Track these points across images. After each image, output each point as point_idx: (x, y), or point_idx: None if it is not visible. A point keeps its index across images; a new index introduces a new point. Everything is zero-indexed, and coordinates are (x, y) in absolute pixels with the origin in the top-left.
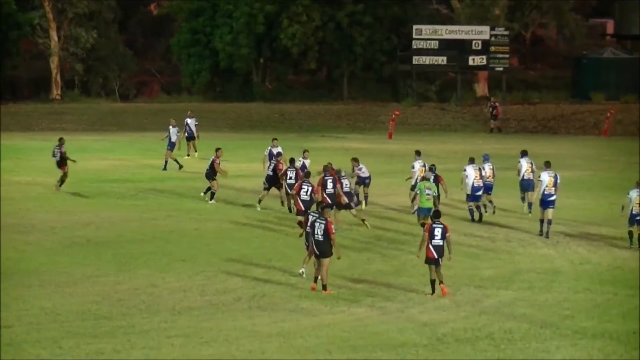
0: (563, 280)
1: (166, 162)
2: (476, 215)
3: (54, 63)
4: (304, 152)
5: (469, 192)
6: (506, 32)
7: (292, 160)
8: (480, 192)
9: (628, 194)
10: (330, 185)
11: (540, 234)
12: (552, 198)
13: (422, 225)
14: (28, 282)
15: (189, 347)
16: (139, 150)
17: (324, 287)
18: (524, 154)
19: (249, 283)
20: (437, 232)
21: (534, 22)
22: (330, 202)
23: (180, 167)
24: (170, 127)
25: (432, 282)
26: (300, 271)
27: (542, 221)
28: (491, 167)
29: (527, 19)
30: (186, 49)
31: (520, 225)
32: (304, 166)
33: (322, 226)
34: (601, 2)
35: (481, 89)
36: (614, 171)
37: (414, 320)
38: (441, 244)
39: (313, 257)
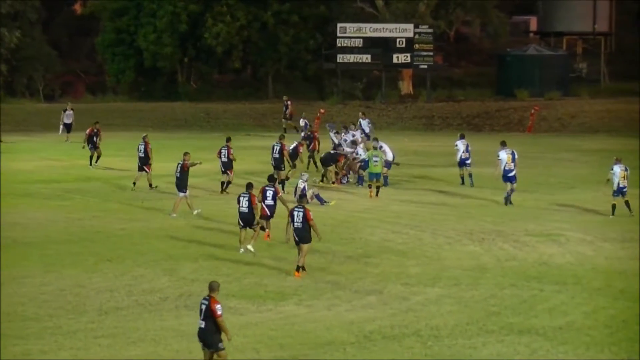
0: (489, 277)
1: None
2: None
3: None
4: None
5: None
6: (430, 30)
7: (281, 136)
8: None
9: (612, 169)
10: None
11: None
12: (513, 173)
13: (370, 187)
14: None
15: (116, 347)
16: (64, 151)
17: (299, 269)
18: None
19: (175, 282)
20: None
21: (458, 19)
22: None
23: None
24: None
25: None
26: (241, 251)
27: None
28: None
29: (451, 16)
30: (111, 49)
31: (447, 222)
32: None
33: (301, 214)
34: None
35: (406, 86)
36: (540, 167)
37: (341, 318)
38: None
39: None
